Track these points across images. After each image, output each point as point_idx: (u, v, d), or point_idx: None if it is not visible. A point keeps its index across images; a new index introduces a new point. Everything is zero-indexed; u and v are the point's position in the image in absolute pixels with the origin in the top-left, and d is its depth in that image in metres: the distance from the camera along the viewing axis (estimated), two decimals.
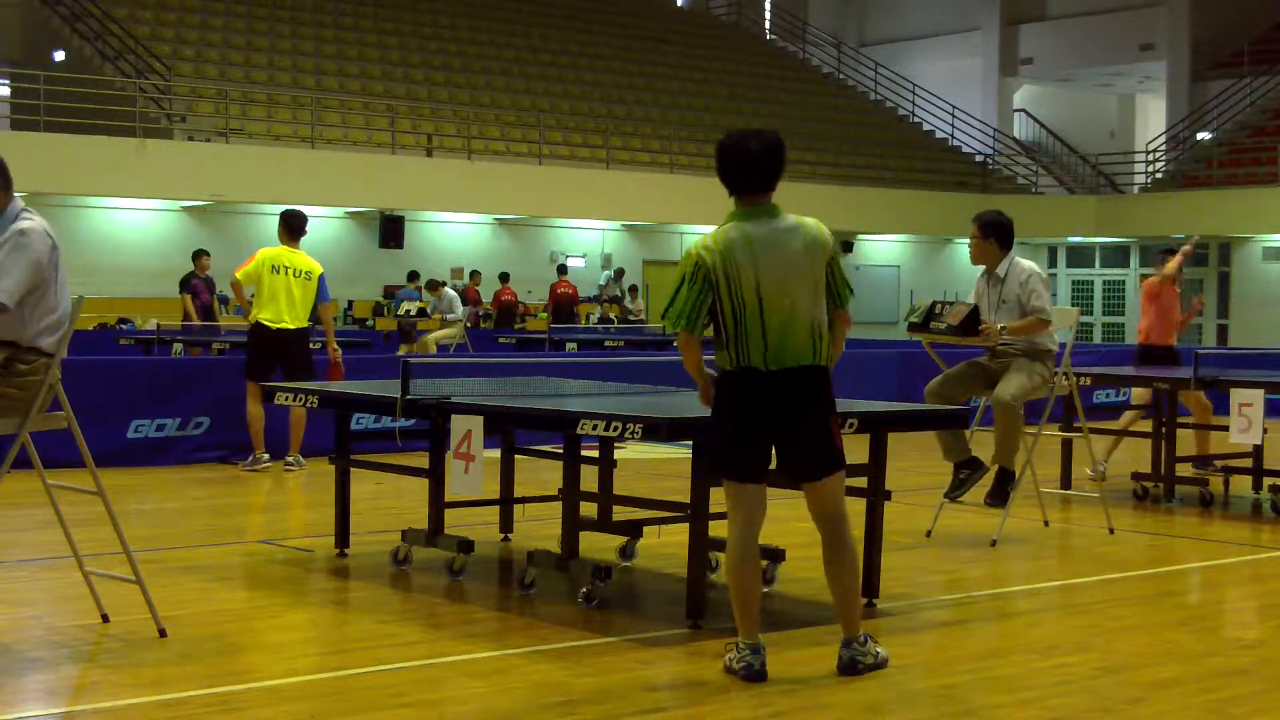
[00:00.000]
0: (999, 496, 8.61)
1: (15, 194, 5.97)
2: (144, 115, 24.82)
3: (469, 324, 22.36)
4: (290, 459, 11.40)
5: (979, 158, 36.29)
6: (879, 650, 5.67)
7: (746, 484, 5.57)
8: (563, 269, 27.99)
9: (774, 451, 5.63)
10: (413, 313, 22.55)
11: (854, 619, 5.66)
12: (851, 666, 5.58)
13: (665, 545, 7.72)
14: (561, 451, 7.14)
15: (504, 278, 26.45)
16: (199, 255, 19.59)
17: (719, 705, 5.21)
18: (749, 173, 5.53)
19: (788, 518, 7.95)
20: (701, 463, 6.13)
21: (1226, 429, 9.50)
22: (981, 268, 8.82)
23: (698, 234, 31.93)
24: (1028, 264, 8.66)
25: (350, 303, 27.76)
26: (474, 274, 27.11)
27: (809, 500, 5.69)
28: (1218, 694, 5.49)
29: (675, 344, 5.65)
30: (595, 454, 7.56)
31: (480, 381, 8.50)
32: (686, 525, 6.38)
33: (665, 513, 7.05)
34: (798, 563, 7.40)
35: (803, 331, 5.49)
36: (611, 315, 28.73)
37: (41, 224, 5.85)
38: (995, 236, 8.61)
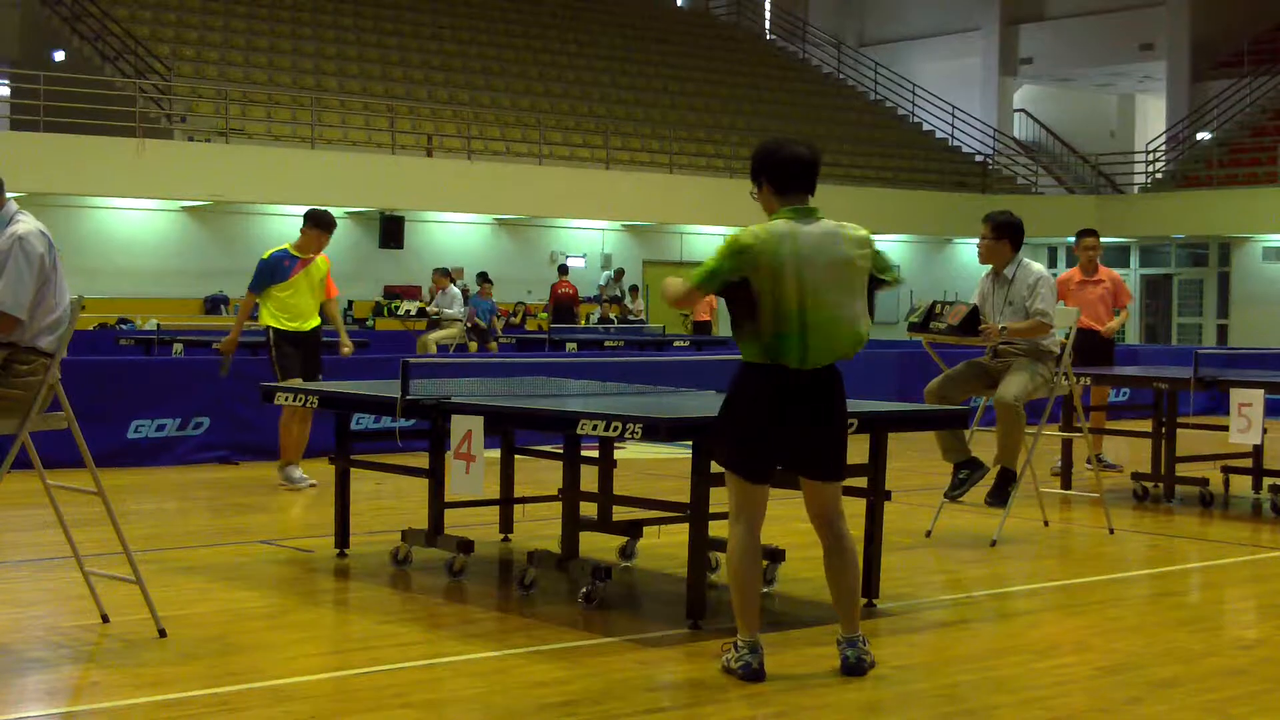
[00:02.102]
0: (999, 496, 8.60)
1: (11, 195, 5.99)
2: (144, 115, 24.83)
3: (469, 325, 22.34)
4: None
5: (979, 158, 36.28)
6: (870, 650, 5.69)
7: (755, 484, 5.59)
8: (564, 269, 28.00)
9: (789, 447, 5.61)
10: (412, 313, 22.54)
11: (856, 618, 5.67)
12: (859, 665, 5.58)
13: (665, 545, 7.72)
14: (561, 451, 7.14)
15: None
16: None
17: (719, 705, 5.21)
18: (801, 173, 5.66)
19: (788, 517, 7.95)
20: (706, 455, 6.10)
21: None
22: (984, 268, 8.82)
23: (698, 234, 32.00)
24: (1037, 267, 8.65)
25: (350, 303, 27.76)
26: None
27: (809, 500, 5.71)
28: (1218, 694, 5.49)
29: (673, 293, 5.64)
30: (595, 454, 7.56)
31: (480, 381, 8.50)
32: (686, 525, 6.37)
33: (665, 513, 7.05)
34: (798, 563, 7.41)
35: (846, 333, 5.55)
36: (611, 315, 28.74)
37: (36, 225, 5.87)
38: (1009, 237, 8.61)
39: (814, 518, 5.73)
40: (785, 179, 5.65)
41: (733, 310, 5.60)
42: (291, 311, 10.67)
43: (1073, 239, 11.57)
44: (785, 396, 5.51)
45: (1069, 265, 11.65)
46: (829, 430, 5.61)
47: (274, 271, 10.66)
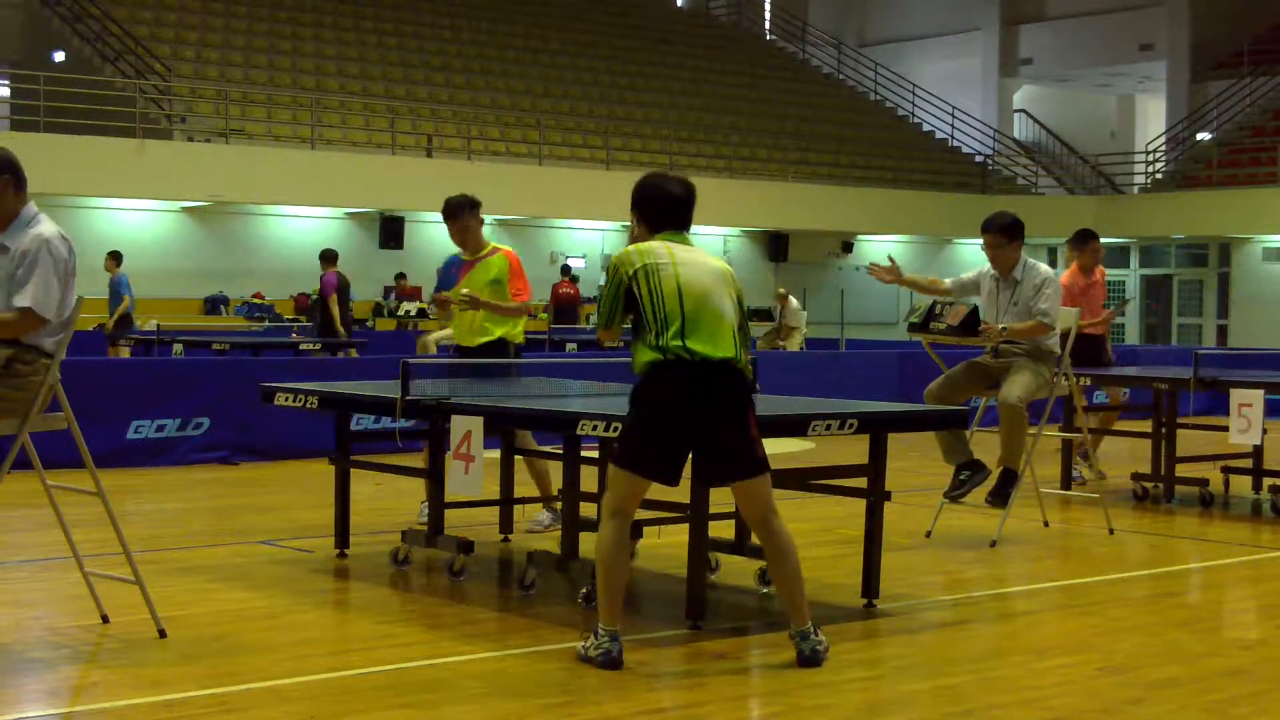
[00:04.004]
0: (1000, 496, 8.59)
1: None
2: (144, 115, 24.82)
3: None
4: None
5: (979, 158, 36.28)
6: (823, 639, 5.73)
7: (644, 479, 5.71)
8: (566, 269, 28.01)
9: (695, 454, 5.77)
10: (413, 313, 22.50)
11: (803, 611, 5.72)
12: (814, 657, 5.62)
13: (665, 545, 7.71)
14: (561, 452, 7.14)
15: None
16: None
17: (719, 705, 5.21)
18: (675, 211, 5.88)
19: (786, 519, 7.93)
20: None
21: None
22: (980, 268, 8.81)
23: (697, 234, 31.92)
24: (1045, 269, 8.63)
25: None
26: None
27: (739, 502, 5.84)
28: (1218, 694, 5.49)
29: (601, 338, 5.97)
30: (595, 454, 7.55)
31: (480, 382, 8.50)
32: (686, 525, 6.38)
33: (665, 513, 7.04)
34: None
35: (727, 329, 5.69)
36: None
37: (57, 229, 5.94)
38: (1019, 238, 8.62)
39: (746, 517, 5.82)
40: (657, 216, 5.86)
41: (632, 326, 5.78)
42: (455, 321, 9.00)
43: (1073, 240, 11.47)
44: (688, 388, 5.60)
45: (1065, 266, 11.54)
46: (726, 425, 5.66)
47: (442, 278, 9.16)
